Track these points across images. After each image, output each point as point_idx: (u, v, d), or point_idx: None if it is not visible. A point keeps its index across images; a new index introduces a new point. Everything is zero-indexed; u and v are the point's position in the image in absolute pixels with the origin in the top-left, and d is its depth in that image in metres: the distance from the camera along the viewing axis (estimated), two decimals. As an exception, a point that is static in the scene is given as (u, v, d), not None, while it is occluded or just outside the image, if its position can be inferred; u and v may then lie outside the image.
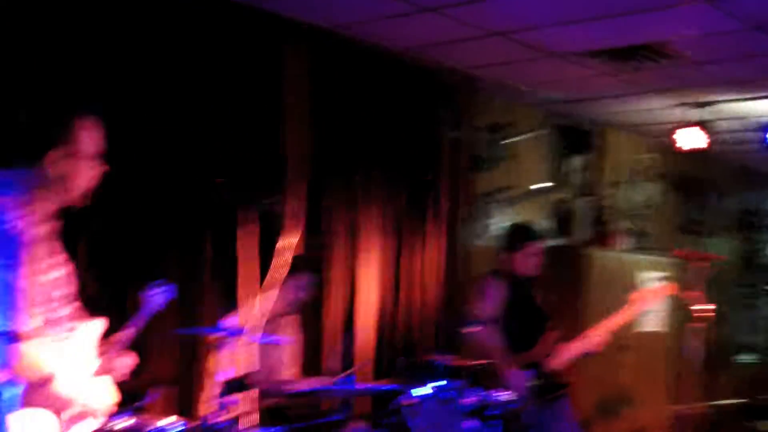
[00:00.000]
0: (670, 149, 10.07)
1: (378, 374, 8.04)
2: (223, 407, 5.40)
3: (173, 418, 5.51)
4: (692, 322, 7.91)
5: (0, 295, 3.37)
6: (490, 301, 7.11)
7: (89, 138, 3.89)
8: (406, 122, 8.50)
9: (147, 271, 6.60)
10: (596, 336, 7.20)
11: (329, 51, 7.76)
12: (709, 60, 8.08)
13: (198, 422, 5.65)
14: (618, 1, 6.69)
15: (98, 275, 6.28)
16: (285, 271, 4.29)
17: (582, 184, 10.83)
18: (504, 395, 6.42)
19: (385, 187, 8.34)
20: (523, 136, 9.93)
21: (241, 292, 6.71)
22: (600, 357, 7.32)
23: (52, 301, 3.68)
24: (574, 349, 7.12)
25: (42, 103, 4.09)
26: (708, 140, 9.52)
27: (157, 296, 4.85)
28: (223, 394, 5.37)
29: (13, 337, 3.36)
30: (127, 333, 4.36)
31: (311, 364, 7.40)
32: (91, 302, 4.06)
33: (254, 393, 3.91)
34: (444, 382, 5.97)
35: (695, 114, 9.63)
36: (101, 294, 6.27)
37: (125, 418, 5.17)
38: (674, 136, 9.53)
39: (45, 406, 3.63)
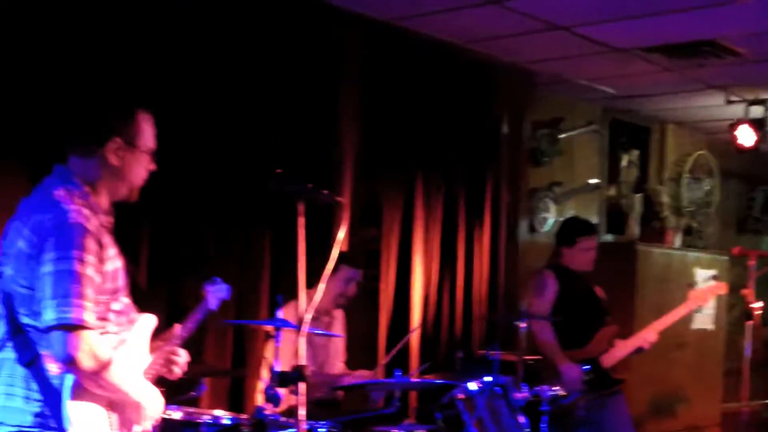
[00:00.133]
0: (727, 146, 9.96)
1: (433, 368, 8.01)
2: (274, 400, 5.39)
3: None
4: (751, 320, 7.84)
5: (60, 285, 3.42)
6: (545, 296, 7.06)
7: (149, 132, 3.87)
8: (464, 116, 8.47)
9: (201, 264, 6.63)
10: (650, 333, 7.12)
11: (386, 44, 7.74)
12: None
13: (249, 414, 5.65)
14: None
15: (152, 269, 6.31)
16: (333, 265, 4.25)
17: (636, 179, 10.74)
18: (557, 391, 6.38)
19: (442, 181, 8.31)
20: (578, 131, 9.87)
21: (294, 285, 6.70)
22: (654, 354, 7.24)
23: (112, 293, 3.67)
24: (627, 346, 7.05)
25: (105, 92, 4.09)
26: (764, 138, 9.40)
27: (213, 295, 4.83)
28: (274, 386, 5.35)
29: (72, 327, 3.41)
30: (182, 330, 4.34)
31: (365, 357, 7.38)
32: (144, 297, 4.04)
33: (305, 386, 3.86)
34: (498, 377, 5.92)
35: (756, 111, 9.51)
36: (155, 288, 6.30)
37: (178, 409, 5.20)
38: (735, 133, 9.40)
39: (100, 397, 3.62)
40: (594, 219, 9.86)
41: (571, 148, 9.88)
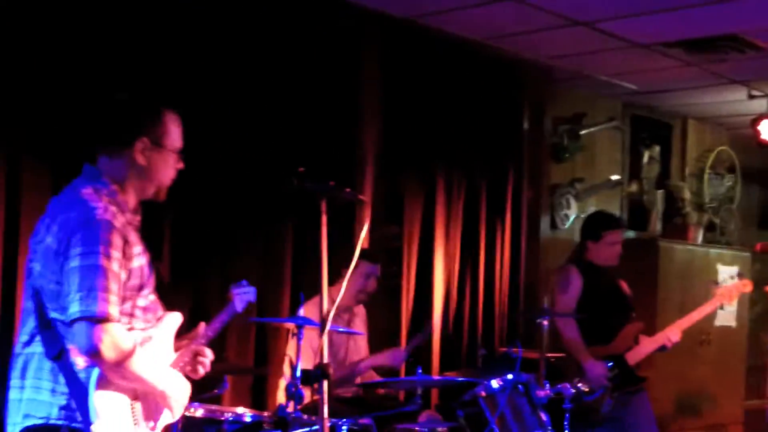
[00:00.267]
0: (749, 141, 9.91)
1: (456, 365, 8.02)
2: (296, 397, 5.40)
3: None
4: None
5: (86, 279, 3.48)
6: (570, 293, 7.02)
7: (176, 132, 3.90)
8: (485, 113, 8.46)
9: (223, 262, 6.65)
10: (674, 332, 7.08)
11: (406, 41, 7.74)
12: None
13: (271, 412, 5.66)
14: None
15: (174, 267, 6.32)
16: (355, 261, 4.25)
17: (658, 176, 10.71)
18: (580, 387, 6.36)
19: (463, 177, 8.31)
20: (599, 127, 9.85)
21: (316, 282, 6.71)
22: (677, 351, 7.21)
23: (138, 289, 3.73)
24: (652, 343, 7.01)
25: (132, 93, 4.12)
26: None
27: (239, 297, 4.84)
28: (296, 384, 5.36)
29: (96, 319, 3.46)
30: (207, 330, 4.35)
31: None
32: (166, 294, 4.06)
33: (327, 383, 3.87)
34: (520, 374, 5.91)
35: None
36: (177, 286, 6.32)
37: (201, 406, 5.21)
38: (757, 128, 9.35)
39: (125, 387, 3.66)
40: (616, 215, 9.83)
41: (593, 144, 9.86)
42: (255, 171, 6.74)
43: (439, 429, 6.13)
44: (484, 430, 5.79)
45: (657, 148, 10.69)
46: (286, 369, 5.98)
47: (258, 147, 6.78)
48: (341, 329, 6.46)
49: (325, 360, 3.92)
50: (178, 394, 3.87)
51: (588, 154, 9.81)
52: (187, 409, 4.11)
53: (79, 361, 3.55)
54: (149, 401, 3.80)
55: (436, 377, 7.27)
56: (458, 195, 8.27)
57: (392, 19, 7.42)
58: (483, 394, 5.90)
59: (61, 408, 3.56)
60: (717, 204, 11.30)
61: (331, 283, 4.09)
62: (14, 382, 3.69)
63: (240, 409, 5.65)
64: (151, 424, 3.82)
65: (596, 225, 7.22)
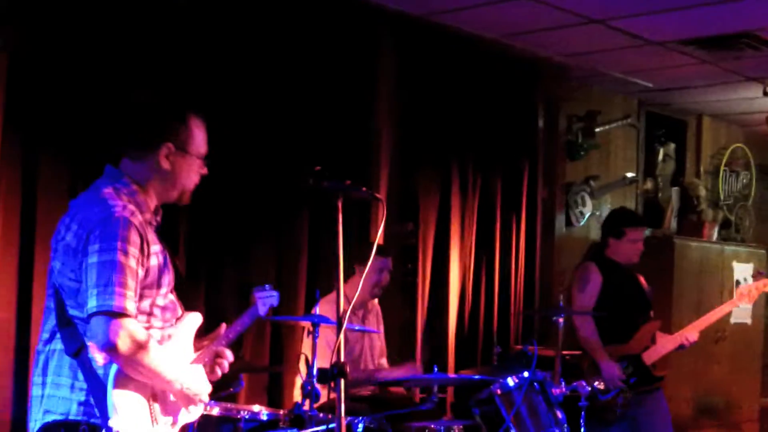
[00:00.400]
0: (764, 138, 9.90)
1: (472, 363, 8.02)
2: (312, 395, 5.41)
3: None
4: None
5: (103, 274, 3.52)
6: (589, 290, 7.00)
7: (201, 137, 3.94)
8: (500, 110, 8.46)
9: (239, 260, 6.66)
10: (692, 332, 7.04)
11: (422, 38, 7.74)
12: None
13: (287, 410, 5.67)
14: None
15: (190, 265, 6.34)
16: (370, 257, 4.27)
17: (673, 173, 10.70)
18: (596, 386, 6.36)
19: (478, 175, 8.31)
20: (614, 125, 9.84)
21: (330, 279, 6.72)
22: (693, 349, 7.19)
23: (156, 288, 3.76)
24: (669, 343, 6.99)
25: (156, 97, 4.16)
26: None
27: (262, 301, 4.85)
28: (312, 382, 5.37)
29: (113, 314, 3.50)
30: (228, 332, 4.37)
31: (404, 351, 7.39)
32: (181, 293, 4.09)
33: (343, 381, 3.87)
34: (536, 372, 5.91)
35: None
36: (192, 284, 6.33)
37: (217, 405, 5.22)
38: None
39: (143, 387, 3.70)
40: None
41: (607, 141, 9.86)
42: (271, 169, 6.75)
43: (455, 427, 6.13)
44: (500, 428, 5.79)
45: (672, 146, 10.67)
46: (302, 367, 5.99)
47: (274, 145, 6.79)
48: (357, 327, 6.47)
49: (341, 358, 3.92)
50: (197, 391, 3.89)
51: (603, 151, 9.80)
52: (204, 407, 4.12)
53: (98, 358, 3.59)
54: (167, 402, 3.82)
55: (452, 375, 7.27)
56: (473, 193, 8.27)
57: (408, 18, 7.42)
58: (499, 392, 5.89)
59: (80, 404, 3.61)
60: (732, 201, 11.27)
61: (344, 279, 4.09)
62: (36, 379, 3.73)
63: (256, 407, 5.66)
64: (170, 419, 3.84)
65: (619, 222, 7.18)
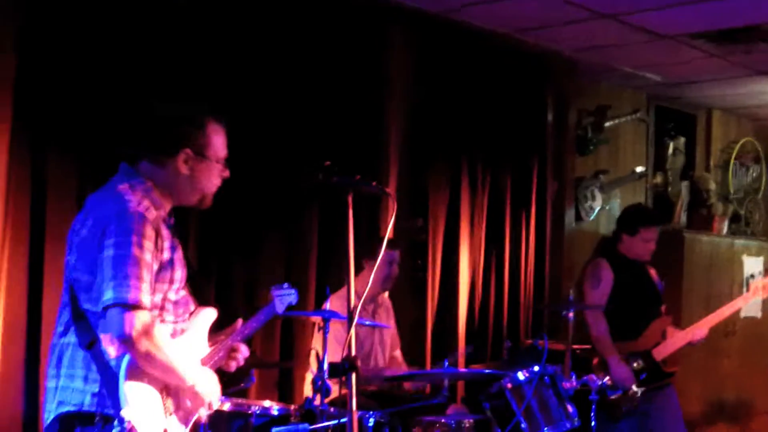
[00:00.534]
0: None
1: (481, 357, 8.02)
2: (323, 390, 5.41)
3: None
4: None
5: (118, 267, 3.57)
6: (601, 288, 6.98)
7: (220, 142, 3.99)
8: (509, 105, 8.46)
9: (249, 255, 6.67)
10: (705, 326, 7.03)
11: (433, 34, 7.74)
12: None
13: (299, 405, 5.67)
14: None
15: (200, 261, 6.35)
16: (381, 251, 4.28)
17: (683, 167, 10.69)
18: (606, 383, 6.36)
19: (488, 170, 8.31)
20: (624, 119, 9.83)
21: (340, 274, 6.73)
22: (703, 343, 7.17)
23: (169, 282, 3.81)
24: (679, 339, 6.98)
25: (174, 102, 4.22)
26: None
27: (280, 299, 4.87)
28: (323, 377, 5.37)
29: (129, 306, 3.55)
30: (245, 328, 4.39)
31: (414, 346, 7.39)
32: (193, 288, 4.12)
33: (354, 376, 3.88)
34: (546, 366, 5.91)
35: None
36: (204, 279, 6.35)
37: (228, 400, 5.23)
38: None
39: (155, 380, 3.75)
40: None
41: (617, 136, 9.85)
42: (280, 166, 6.76)
43: (466, 421, 6.13)
44: (510, 422, 5.79)
45: (682, 140, 10.66)
46: (313, 362, 6.00)
47: (284, 141, 6.80)
48: (367, 323, 6.48)
49: (351, 353, 3.93)
50: (206, 390, 3.92)
51: (612, 146, 9.80)
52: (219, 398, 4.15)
53: (111, 351, 3.64)
54: (180, 396, 3.85)
55: (462, 370, 7.27)
56: (483, 188, 8.27)
57: (419, 13, 7.42)
58: (509, 386, 5.90)
59: (94, 395, 3.66)
60: (742, 195, 11.27)
61: (354, 274, 4.09)
62: (50, 371, 3.80)
63: (267, 403, 5.67)
64: (183, 413, 3.88)
65: (634, 219, 7.14)
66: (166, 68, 6.13)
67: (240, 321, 4.38)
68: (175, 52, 6.20)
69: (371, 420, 5.53)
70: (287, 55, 6.82)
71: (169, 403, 3.81)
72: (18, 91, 5.59)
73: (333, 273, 6.97)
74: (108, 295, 3.55)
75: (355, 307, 3.90)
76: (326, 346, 5.55)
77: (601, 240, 9.51)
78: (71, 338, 3.72)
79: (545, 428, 5.81)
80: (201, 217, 6.30)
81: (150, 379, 3.72)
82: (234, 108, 6.36)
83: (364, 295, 4.30)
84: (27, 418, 5.65)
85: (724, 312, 7.07)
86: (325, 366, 5.39)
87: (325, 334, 5.59)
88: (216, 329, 4.21)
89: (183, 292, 3.93)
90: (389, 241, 6.67)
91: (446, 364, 6.08)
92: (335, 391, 5.72)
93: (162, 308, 3.81)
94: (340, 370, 3.95)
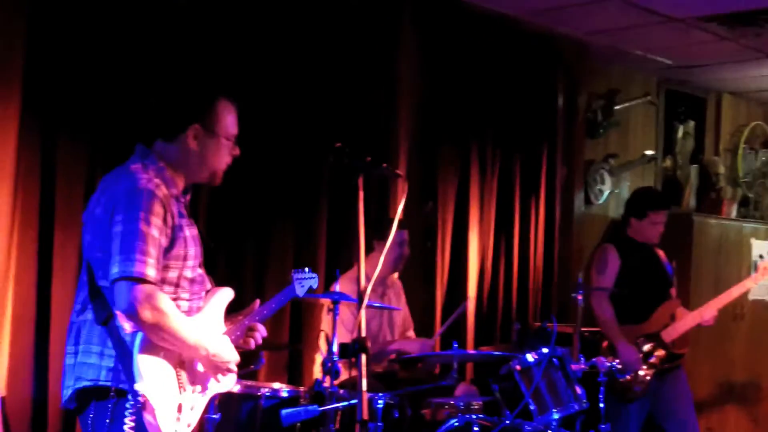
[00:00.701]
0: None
1: (490, 339, 8.03)
2: (332, 372, 5.43)
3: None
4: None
5: (125, 242, 3.64)
6: (607, 273, 6.98)
7: (230, 119, 4.03)
8: (519, 88, 8.45)
9: (259, 238, 6.68)
10: (714, 307, 7.03)
11: (444, 17, 7.74)
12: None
13: (308, 387, 5.69)
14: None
15: (215, 242, 6.37)
16: (391, 232, 4.28)
17: (692, 151, 10.67)
18: (615, 365, 6.37)
19: (498, 153, 8.31)
20: (634, 103, 9.81)
21: (350, 256, 6.74)
22: (713, 327, 7.18)
23: (182, 259, 3.87)
24: (688, 321, 6.98)
25: (186, 81, 4.28)
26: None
27: (299, 283, 4.88)
28: (332, 359, 5.39)
29: (134, 279, 3.61)
30: (263, 309, 4.41)
31: (424, 329, 7.40)
32: (209, 270, 4.15)
33: (364, 358, 3.89)
34: (555, 348, 5.92)
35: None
36: (211, 261, 6.36)
37: (238, 382, 5.25)
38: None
39: (169, 354, 3.80)
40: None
41: (627, 119, 9.83)
42: (291, 148, 6.77)
43: (475, 403, 6.15)
44: (519, 404, 5.81)
45: (691, 123, 10.63)
46: (322, 344, 6.01)
47: (294, 124, 6.81)
48: (376, 305, 6.48)
49: (361, 335, 3.94)
50: (224, 359, 3.95)
51: (622, 129, 9.78)
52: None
53: (126, 326, 3.69)
54: (195, 370, 3.90)
55: (471, 352, 7.28)
56: (492, 171, 8.27)
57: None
58: (518, 368, 5.92)
59: (110, 370, 3.71)
60: (751, 179, 11.23)
61: (368, 256, 4.10)
62: (69, 348, 3.85)
63: (276, 385, 5.70)
64: (199, 387, 3.92)
65: (642, 203, 7.13)
66: (178, 52, 6.14)
67: (257, 302, 4.40)
68: (187, 36, 6.22)
69: (381, 402, 5.54)
70: (299, 40, 6.83)
71: (184, 377, 3.85)
72: (27, 76, 5.61)
73: (343, 255, 6.98)
74: (114, 270, 3.62)
75: (365, 288, 3.92)
76: (335, 328, 5.57)
77: (611, 224, 9.50)
78: (88, 315, 3.78)
79: (554, 410, 5.84)
80: (211, 198, 6.32)
81: (165, 353, 3.77)
82: (246, 89, 6.38)
83: (374, 276, 4.29)
84: (37, 402, 5.69)
85: (733, 293, 7.07)
86: (335, 348, 5.41)
87: (334, 316, 5.61)
88: (231, 311, 4.23)
89: (200, 270, 3.98)
90: (399, 222, 6.69)
91: (455, 346, 6.10)
92: (344, 373, 5.74)
93: (178, 285, 3.86)
94: (351, 351, 3.96)
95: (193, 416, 3.92)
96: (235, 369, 4.07)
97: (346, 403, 5.28)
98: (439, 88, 7.83)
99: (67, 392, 3.83)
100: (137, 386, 3.63)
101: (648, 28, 8.12)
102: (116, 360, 3.70)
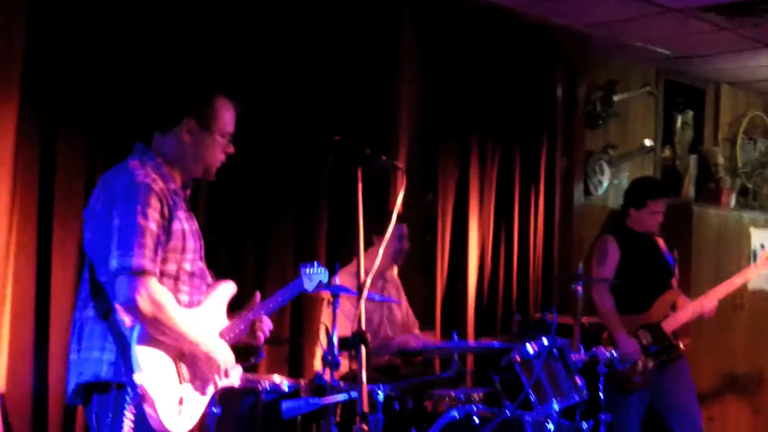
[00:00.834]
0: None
1: (491, 331, 8.03)
2: (333, 365, 5.43)
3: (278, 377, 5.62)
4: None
5: (123, 236, 3.68)
6: (607, 264, 6.98)
7: (226, 117, 4.06)
8: (519, 80, 8.45)
9: (259, 230, 6.68)
10: (714, 297, 7.02)
11: (443, 9, 7.72)
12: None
13: (308, 380, 5.70)
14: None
15: (216, 237, 6.37)
16: (390, 225, 4.28)
17: (691, 141, 10.66)
18: (614, 354, 6.38)
19: (498, 145, 8.31)
20: (633, 93, 9.81)
21: (350, 250, 6.74)
22: (713, 317, 7.17)
23: (181, 252, 3.90)
24: (688, 311, 6.97)
25: (185, 76, 4.32)
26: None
27: (308, 277, 4.88)
28: (333, 352, 5.39)
29: (133, 272, 3.65)
30: (268, 302, 4.41)
31: (424, 321, 7.41)
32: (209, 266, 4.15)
33: (365, 351, 3.90)
34: (555, 339, 5.92)
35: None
36: (211, 254, 6.36)
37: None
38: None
39: (168, 347, 3.81)
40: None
41: (626, 110, 9.83)
42: (291, 141, 6.77)
43: (475, 395, 6.16)
44: (519, 395, 5.82)
45: (690, 114, 10.63)
46: (323, 337, 6.01)
47: (294, 117, 6.80)
48: (377, 297, 6.49)
49: (362, 327, 3.94)
50: (222, 358, 3.96)
51: (621, 120, 9.78)
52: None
53: (126, 320, 3.71)
54: (197, 363, 3.90)
55: (471, 343, 7.28)
56: (492, 163, 8.26)
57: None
58: (518, 359, 5.92)
59: (110, 364, 3.74)
60: (750, 169, 11.23)
61: (364, 249, 4.10)
62: (72, 345, 3.89)
63: (277, 378, 5.70)
64: (200, 383, 3.92)
65: (641, 192, 7.13)
66: (178, 48, 6.13)
67: (258, 294, 4.40)
68: (187, 32, 6.21)
69: (381, 394, 5.55)
70: (299, 33, 6.82)
71: (185, 370, 3.86)
72: (26, 70, 5.61)
73: (342, 249, 6.98)
74: (113, 263, 3.65)
75: (365, 281, 3.92)
76: (336, 321, 5.57)
77: (610, 214, 9.50)
78: (89, 311, 3.80)
79: (554, 400, 5.84)
80: (211, 193, 6.32)
81: (164, 345, 3.79)
82: (247, 84, 6.38)
83: (373, 269, 4.30)
84: (37, 396, 5.69)
85: (734, 282, 7.06)
86: (335, 341, 5.41)
87: (334, 309, 5.61)
88: (233, 307, 4.24)
89: (200, 264, 3.99)
90: (398, 215, 6.69)
91: (455, 337, 6.11)
92: (345, 365, 5.74)
93: (177, 278, 3.89)
94: (350, 344, 3.97)
95: (196, 409, 3.93)
96: (233, 373, 4.08)
97: (346, 396, 5.28)
98: (439, 81, 7.83)
99: (71, 388, 3.86)
100: (135, 377, 3.64)
101: (647, 18, 8.11)
102: (116, 354, 3.71)
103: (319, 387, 5.45)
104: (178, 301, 3.85)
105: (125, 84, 5.88)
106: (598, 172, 9.46)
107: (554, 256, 8.74)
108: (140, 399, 3.66)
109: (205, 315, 4.00)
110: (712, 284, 7.29)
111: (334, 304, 5.63)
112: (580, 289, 6.61)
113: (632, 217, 7.08)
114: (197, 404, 3.94)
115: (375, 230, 6.37)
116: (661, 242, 7.19)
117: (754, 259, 9.59)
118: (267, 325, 4.33)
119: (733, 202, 10.62)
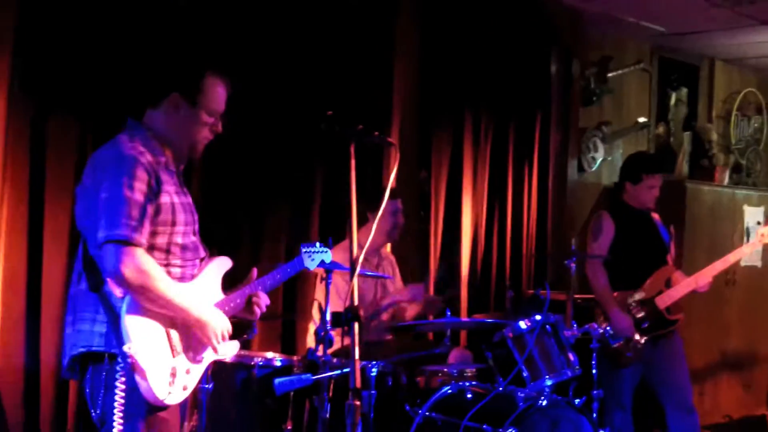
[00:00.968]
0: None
1: (484, 307, 8.05)
2: (326, 341, 5.43)
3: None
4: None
5: (110, 207, 3.71)
6: (601, 240, 6.97)
7: (215, 95, 4.06)
8: (513, 56, 8.43)
9: (252, 206, 6.67)
10: (710, 273, 7.02)
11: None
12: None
13: (301, 356, 5.70)
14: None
15: (202, 212, 6.35)
16: (383, 201, 4.27)
17: (685, 117, 10.67)
18: (607, 330, 6.39)
19: (491, 121, 8.30)
20: (627, 70, 9.81)
21: (344, 226, 6.74)
22: (705, 293, 7.17)
23: (171, 225, 3.92)
24: (682, 287, 6.98)
25: (174, 52, 4.33)
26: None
27: (308, 256, 4.87)
28: (326, 328, 5.39)
29: (119, 242, 3.68)
30: (267, 279, 4.42)
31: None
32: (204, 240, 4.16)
33: (358, 325, 3.90)
34: (548, 315, 5.93)
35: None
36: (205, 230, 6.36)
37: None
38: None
39: (159, 315, 3.83)
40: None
41: (620, 87, 9.84)
42: (285, 118, 6.75)
43: (468, 370, 6.17)
44: (512, 371, 5.83)
45: (684, 90, 10.64)
46: (315, 314, 6.01)
47: (289, 94, 6.78)
48: (370, 273, 6.49)
49: (354, 303, 3.94)
50: (216, 324, 3.97)
51: (615, 97, 9.78)
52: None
53: (117, 291, 3.73)
54: (189, 334, 3.91)
55: (464, 319, 7.29)
56: (486, 139, 8.26)
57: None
58: (511, 335, 5.92)
59: (102, 335, 3.77)
60: (744, 146, 11.26)
61: (357, 227, 4.10)
62: (67, 318, 3.93)
63: (270, 354, 5.71)
64: (193, 354, 3.93)
65: (637, 167, 7.10)
66: (171, 23, 6.10)
67: (255, 270, 4.41)
68: (179, 6, 6.17)
69: (374, 370, 5.55)
70: (295, 10, 6.80)
71: (177, 341, 3.87)
72: (17, 49, 5.58)
73: (336, 225, 6.98)
74: (101, 234, 3.68)
75: (358, 257, 3.92)
76: (329, 297, 5.57)
77: (603, 191, 9.52)
78: (82, 285, 3.83)
79: (547, 376, 5.84)
80: (205, 169, 6.30)
81: (155, 315, 3.80)
82: (240, 61, 6.36)
83: (367, 245, 4.29)
84: (29, 369, 5.70)
85: (729, 259, 7.05)
86: (328, 317, 5.41)
87: (327, 285, 5.61)
88: (229, 285, 4.25)
89: (193, 238, 4.00)
90: (391, 191, 6.68)
91: (448, 314, 6.12)
92: (338, 342, 5.74)
93: (168, 251, 3.91)
94: (343, 320, 3.97)
95: (190, 380, 3.94)
96: (227, 337, 4.08)
97: (339, 372, 5.28)
98: (433, 57, 7.81)
99: (65, 361, 3.90)
100: (125, 347, 3.66)
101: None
102: (108, 325, 3.74)
103: (312, 363, 5.45)
104: (170, 274, 3.86)
105: (116, 63, 5.85)
106: (591, 149, 9.47)
107: (547, 233, 8.75)
108: (131, 369, 3.69)
109: (199, 288, 4.01)
110: (706, 261, 7.28)
111: (327, 280, 5.62)
112: (573, 265, 6.61)
113: (628, 191, 7.07)
114: (192, 375, 3.95)
115: (370, 207, 6.36)
116: (656, 218, 7.18)
117: (749, 236, 9.61)
118: (264, 300, 4.34)
119: (726, 179, 10.63)
